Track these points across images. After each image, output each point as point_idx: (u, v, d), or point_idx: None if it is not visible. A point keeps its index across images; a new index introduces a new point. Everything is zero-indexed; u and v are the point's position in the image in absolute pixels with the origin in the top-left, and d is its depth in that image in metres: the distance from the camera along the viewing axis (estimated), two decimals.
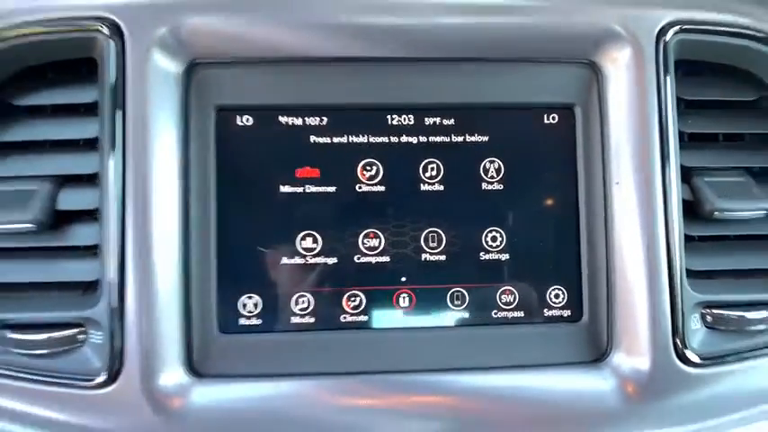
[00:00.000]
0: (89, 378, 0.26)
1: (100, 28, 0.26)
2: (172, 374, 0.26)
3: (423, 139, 0.29)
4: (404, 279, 0.29)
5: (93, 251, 0.27)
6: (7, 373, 0.26)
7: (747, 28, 0.29)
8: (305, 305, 0.28)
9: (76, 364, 0.26)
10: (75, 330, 0.26)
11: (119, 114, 0.26)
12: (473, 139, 0.29)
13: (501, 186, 0.29)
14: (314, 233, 0.28)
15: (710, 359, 0.27)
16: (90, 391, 0.26)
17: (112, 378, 0.26)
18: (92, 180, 0.27)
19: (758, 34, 0.29)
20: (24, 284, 0.27)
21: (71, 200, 0.27)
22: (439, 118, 0.29)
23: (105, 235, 0.26)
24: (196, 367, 0.27)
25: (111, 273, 0.26)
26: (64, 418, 0.26)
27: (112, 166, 0.26)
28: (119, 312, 0.26)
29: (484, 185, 0.29)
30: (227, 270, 0.28)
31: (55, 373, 0.26)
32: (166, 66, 0.27)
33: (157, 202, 0.26)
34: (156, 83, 0.27)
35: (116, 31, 0.26)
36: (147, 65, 0.26)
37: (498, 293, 0.29)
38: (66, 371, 0.26)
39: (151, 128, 0.26)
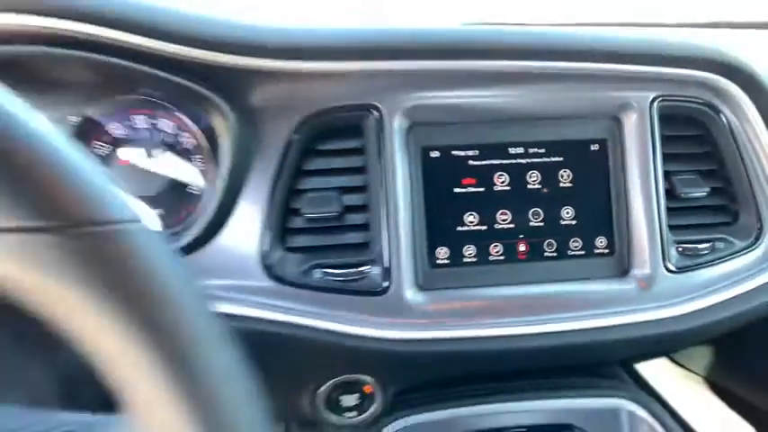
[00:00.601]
0: (372, 291, 0.48)
1: (369, 110, 0.48)
2: (412, 291, 0.49)
3: (528, 160, 0.52)
4: (521, 236, 0.52)
5: (365, 228, 0.49)
6: (326, 286, 0.48)
7: (702, 101, 0.53)
8: (472, 252, 0.51)
9: (365, 285, 0.48)
10: (363, 268, 0.49)
11: (375, 152, 0.49)
12: (555, 159, 0.52)
13: (570, 184, 0.53)
14: (473, 213, 0.51)
15: (680, 269, 0.51)
16: (371, 298, 0.48)
17: (383, 292, 0.48)
18: (362, 189, 0.49)
19: (709, 106, 0.53)
20: (330, 246, 0.49)
21: (351, 199, 0.49)
22: (537, 148, 0.52)
23: (373, 218, 0.49)
24: (422, 286, 0.50)
25: (379, 237, 0.48)
26: (354, 315, 0.48)
27: (376, 180, 0.48)
28: (381, 259, 0.48)
29: (561, 183, 0.52)
30: (432, 234, 0.51)
31: (353, 289, 0.48)
32: (401, 125, 0.49)
33: (398, 198, 0.49)
34: (395, 134, 0.49)
35: (376, 108, 0.48)
36: (393, 126, 0.48)
37: (571, 242, 0.52)
38: (359, 289, 0.48)
39: (393, 158, 0.49)
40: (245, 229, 0.47)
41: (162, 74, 0.45)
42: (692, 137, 0.54)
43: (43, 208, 0.16)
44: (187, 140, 0.50)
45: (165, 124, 0.50)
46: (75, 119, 0.48)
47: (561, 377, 0.59)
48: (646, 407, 0.55)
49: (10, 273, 0.16)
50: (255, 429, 0.19)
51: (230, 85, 0.47)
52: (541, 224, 0.52)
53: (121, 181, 0.48)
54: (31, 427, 0.20)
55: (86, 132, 0.48)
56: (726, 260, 0.53)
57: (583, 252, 0.53)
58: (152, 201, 0.48)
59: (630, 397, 0.56)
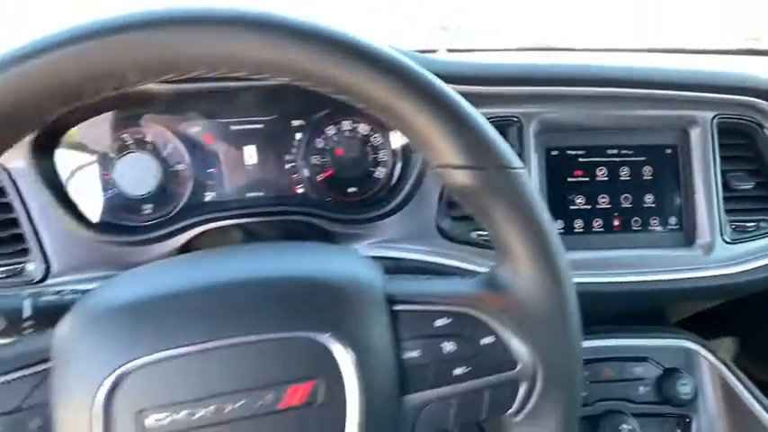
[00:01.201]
0: None
1: (513, 120, 0.68)
2: None
3: (620, 158, 0.71)
4: (616, 214, 0.71)
5: None
6: (480, 243, 0.67)
7: (750, 119, 0.72)
8: (580, 224, 0.70)
9: None
10: None
11: (516, 149, 0.68)
12: (639, 158, 0.72)
13: (651, 177, 0.72)
14: (581, 196, 0.71)
15: (733, 241, 0.70)
16: None
17: None
18: None
19: (755, 122, 0.72)
20: None
21: None
22: (626, 150, 0.71)
23: None
24: None
25: None
26: None
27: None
28: None
29: (644, 177, 0.72)
30: (551, 211, 0.70)
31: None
32: (534, 131, 0.68)
33: None
34: (530, 137, 0.68)
35: (518, 119, 0.68)
36: (529, 132, 0.68)
37: (651, 219, 0.71)
38: None
39: (528, 155, 0.68)
40: (424, 204, 0.67)
41: None
42: (742, 145, 0.73)
43: (483, 155, 0.35)
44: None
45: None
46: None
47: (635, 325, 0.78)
48: (708, 348, 0.74)
49: (472, 193, 0.35)
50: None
51: None
52: (630, 205, 0.72)
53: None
54: None
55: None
56: (766, 235, 0.72)
57: (660, 227, 0.72)
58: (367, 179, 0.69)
59: (694, 339, 0.74)
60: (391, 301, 0.37)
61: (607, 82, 0.69)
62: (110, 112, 0.63)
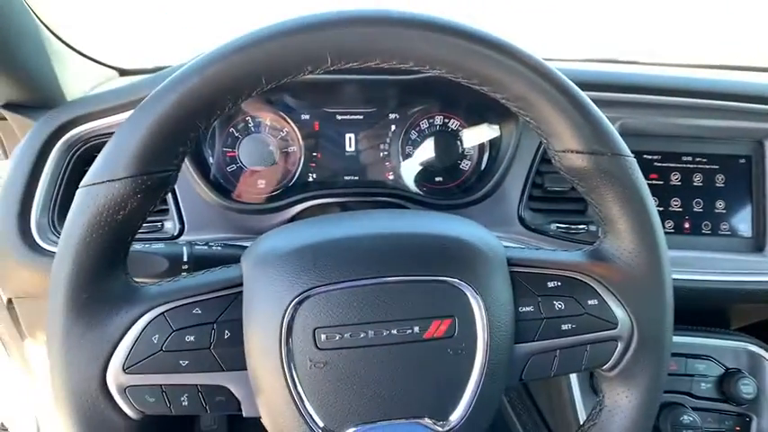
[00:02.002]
0: (585, 241, 0.73)
1: None
2: None
3: (694, 165, 0.76)
4: (687, 217, 0.75)
5: (584, 201, 0.74)
6: (557, 235, 0.73)
7: None
8: None
9: (582, 237, 0.73)
10: (581, 226, 0.73)
11: None
12: (713, 166, 0.76)
13: (723, 185, 0.76)
14: (655, 198, 0.74)
15: None
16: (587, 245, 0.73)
17: (591, 243, 0.73)
18: None
19: None
20: (559, 210, 0.75)
21: None
22: (700, 158, 0.76)
23: None
24: None
25: None
26: None
27: None
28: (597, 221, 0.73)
29: (716, 184, 0.76)
30: None
31: (574, 239, 0.73)
32: None
33: None
34: None
35: None
36: None
37: (721, 224, 0.75)
38: (578, 239, 0.73)
39: None
40: (508, 195, 0.73)
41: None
42: None
43: (603, 143, 0.41)
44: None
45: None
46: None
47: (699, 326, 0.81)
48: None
49: (588, 175, 0.41)
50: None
51: None
52: (701, 210, 0.76)
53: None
54: None
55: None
56: None
57: (729, 233, 0.76)
58: (453, 170, 0.76)
59: (757, 343, 0.77)
60: (510, 263, 0.43)
61: (689, 93, 0.74)
62: None
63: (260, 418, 0.41)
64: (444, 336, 0.39)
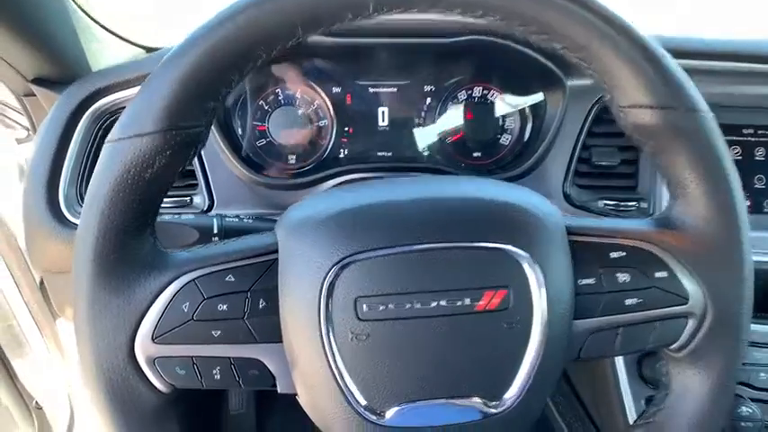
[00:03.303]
0: (636, 218, 0.68)
1: None
2: None
3: (755, 138, 0.70)
4: (747, 194, 0.70)
5: (633, 176, 0.69)
6: (603, 212, 0.69)
7: None
8: None
9: (632, 214, 0.68)
10: (630, 203, 0.69)
11: None
12: None
13: None
14: None
15: None
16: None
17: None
18: (635, 148, 0.69)
19: None
20: (604, 186, 0.70)
21: (626, 155, 0.69)
22: (763, 131, 0.70)
23: (641, 169, 0.69)
24: None
25: (645, 183, 0.68)
26: None
27: None
28: (648, 199, 0.68)
29: None
30: None
31: (622, 216, 0.69)
32: None
33: None
34: None
35: None
36: None
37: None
38: (628, 216, 0.68)
39: None
40: (553, 170, 0.69)
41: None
42: None
43: (675, 97, 0.36)
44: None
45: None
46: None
47: None
48: None
49: (657, 133, 0.37)
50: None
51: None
52: (763, 187, 0.70)
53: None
54: None
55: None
56: None
57: None
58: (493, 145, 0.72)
59: None
60: (570, 232, 0.39)
61: (754, 58, 0.68)
62: (269, 68, 0.70)
63: (295, 395, 0.38)
64: (498, 308, 0.36)
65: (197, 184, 0.67)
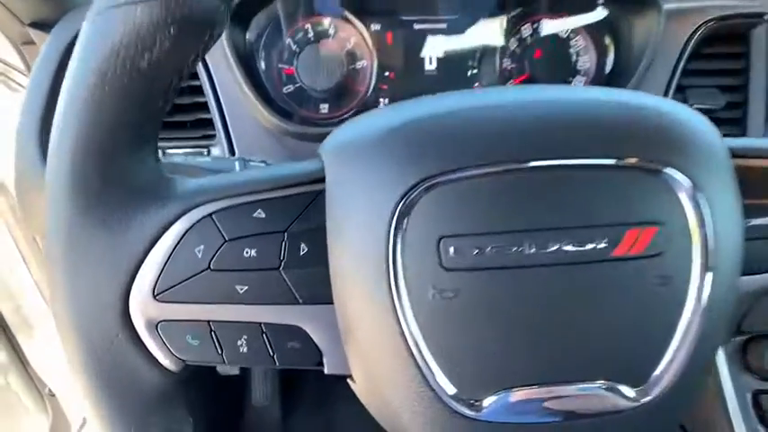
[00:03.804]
0: None
1: (761, 17, 0.56)
2: None
3: None
4: None
5: (739, 123, 0.57)
6: None
7: None
8: None
9: None
10: None
11: (761, 54, 0.57)
12: None
13: None
14: None
15: None
16: None
17: None
18: (740, 89, 0.57)
19: None
20: None
21: (730, 97, 0.58)
22: None
23: (750, 114, 0.57)
24: None
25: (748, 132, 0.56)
26: None
27: (757, 78, 0.56)
28: None
29: None
30: None
31: None
32: None
33: None
34: None
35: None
36: None
37: None
38: None
39: None
40: None
41: None
42: None
43: None
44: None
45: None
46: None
47: None
48: None
49: None
50: None
51: None
52: None
53: None
54: None
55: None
56: None
57: None
58: None
59: None
60: (735, 155, 0.28)
61: None
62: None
63: (348, 377, 0.28)
64: (644, 254, 0.25)
65: (215, 135, 0.57)
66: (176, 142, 0.57)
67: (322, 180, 0.27)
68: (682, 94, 0.58)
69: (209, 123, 0.57)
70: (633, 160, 0.25)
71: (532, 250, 0.24)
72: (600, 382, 0.25)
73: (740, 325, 0.29)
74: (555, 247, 0.24)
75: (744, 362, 0.57)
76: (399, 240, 0.25)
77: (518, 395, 0.25)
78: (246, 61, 0.59)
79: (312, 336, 0.27)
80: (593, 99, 0.26)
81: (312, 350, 0.27)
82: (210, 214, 0.26)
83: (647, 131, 0.25)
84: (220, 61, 0.57)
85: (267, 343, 0.27)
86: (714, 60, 0.59)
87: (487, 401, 0.25)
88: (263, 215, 0.26)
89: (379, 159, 0.25)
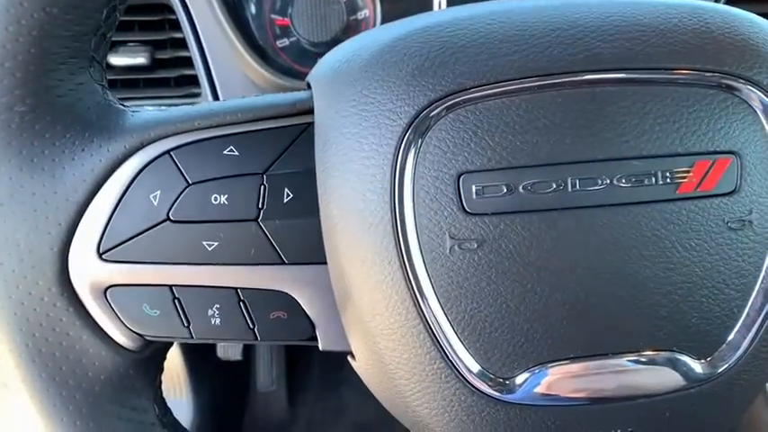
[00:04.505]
0: None
1: None
2: None
3: None
4: None
5: None
6: None
7: None
8: None
9: None
10: None
11: None
12: None
13: None
14: None
15: None
16: None
17: None
18: None
19: None
20: None
21: None
22: None
23: None
24: None
25: None
26: None
27: None
28: None
29: None
30: None
31: None
32: None
33: None
34: None
35: None
36: None
37: None
38: None
39: None
40: None
41: None
42: None
43: None
44: None
45: None
46: None
47: None
48: None
49: None
50: None
51: None
52: None
53: None
54: None
55: None
56: None
57: None
58: None
59: None
60: None
61: None
62: None
63: (347, 354, 0.24)
64: (715, 192, 0.20)
65: (200, 93, 0.52)
66: (158, 101, 0.52)
67: (310, 111, 0.22)
68: None
69: (194, 80, 0.52)
70: (700, 72, 0.19)
71: (576, 188, 0.19)
72: (663, 353, 0.20)
73: None
74: (602, 184, 0.19)
75: None
76: (408, 179, 0.19)
77: (558, 372, 0.20)
78: (235, 10, 0.53)
79: (301, 303, 0.22)
80: (662, 3, 0.21)
81: (302, 321, 0.22)
82: (169, 151, 0.21)
83: (715, 36, 0.20)
84: (206, 11, 0.52)
85: (245, 313, 0.22)
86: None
87: (520, 379, 0.20)
88: (236, 153, 0.21)
89: (381, 76, 0.20)
